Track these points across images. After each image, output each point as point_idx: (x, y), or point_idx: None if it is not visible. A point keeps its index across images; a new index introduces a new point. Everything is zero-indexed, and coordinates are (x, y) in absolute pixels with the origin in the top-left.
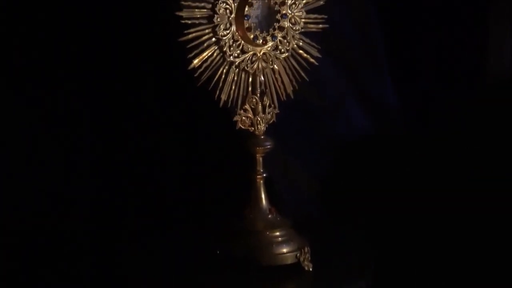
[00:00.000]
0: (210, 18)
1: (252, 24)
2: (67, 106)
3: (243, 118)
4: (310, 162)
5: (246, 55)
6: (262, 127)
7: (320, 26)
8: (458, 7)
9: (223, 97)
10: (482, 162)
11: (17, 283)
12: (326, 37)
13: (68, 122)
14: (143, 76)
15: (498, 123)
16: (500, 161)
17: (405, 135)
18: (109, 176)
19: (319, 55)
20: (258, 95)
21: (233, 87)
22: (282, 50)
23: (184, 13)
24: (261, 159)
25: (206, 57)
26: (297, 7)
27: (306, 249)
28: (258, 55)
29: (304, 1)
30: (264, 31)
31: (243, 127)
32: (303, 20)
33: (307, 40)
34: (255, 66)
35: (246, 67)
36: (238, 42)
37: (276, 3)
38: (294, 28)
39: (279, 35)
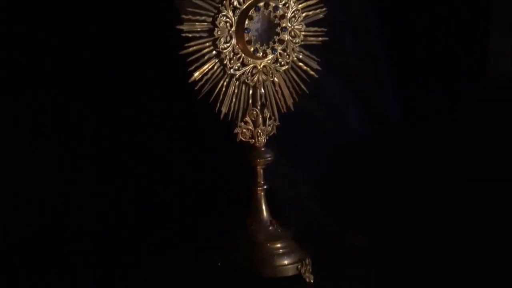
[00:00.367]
0: (210, 32)
1: (252, 37)
2: (71, 123)
3: (244, 130)
4: (310, 166)
5: (247, 68)
6: (262, 139)
7: (320, 39)
8: (458, 8)
9: (224, 109)
10: (482, 162)
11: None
12: (327, 48)
13: (68, 136)
14: (145, 89)
15: (498, 123)
16: (500, 161)
17: (405, 135)
18: (110, 188)
19: (319, 68)
20: (259, 107)
21: (234, 100)
22: (282, 62)
23: (184, 27)
24: (261, 171)
25: (207, 70)
26: (297, 20)
27: (307, 261)
28: (259, 67)
29: (303, 15)
30: (264, 44)
31: (243, 139)
32: (303, 33)
33: (307, 53)
34: (256, 78)
35: (246, 80)
36: (239, 55)
37: (276, 16)
38: (294, 41)
39: (279, 48)
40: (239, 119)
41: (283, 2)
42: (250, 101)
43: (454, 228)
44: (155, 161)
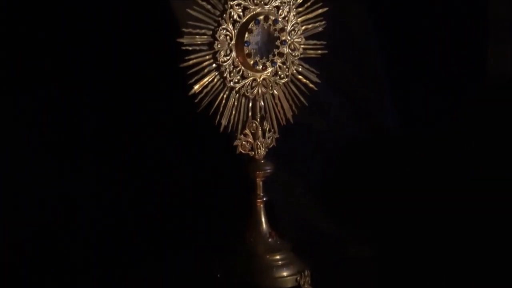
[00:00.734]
0: (210, 45)
1: (252, 50)
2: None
3: (243, 142)
4: (308, 176)
5: (246, 81)
6: (262, 151)
7: (319, 52)
8: (458, 8)
9: (224, 122)
10: (482, 162)
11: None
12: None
13: (68, 138)
14: (145, 100)
15: (498, 123)
16: (500, 161)
17: (404, 135)
18: (110, 198)
19: (318, 80)
20: (258, 120)
21: (234, 112)
22: (282, 75)
23: (185, 40)
24: (261, 183)
25: (207, 82)
26: (296, 34)
27: (306, 273)
28: (258, 80)
29: (303, 28)
30: (264, 57)
31: (243, 151)
32: (302, 46)
33: (306, 66)
34: (255, 91)
35: (246, 93)
36: (238, 68)
37: (275, 29)
38: (293, 54)
39: (278, 61)
40: (239, 131)
41: (283, 15)
42: (250, 113)
43: (454, 227)
44: (153, 174)
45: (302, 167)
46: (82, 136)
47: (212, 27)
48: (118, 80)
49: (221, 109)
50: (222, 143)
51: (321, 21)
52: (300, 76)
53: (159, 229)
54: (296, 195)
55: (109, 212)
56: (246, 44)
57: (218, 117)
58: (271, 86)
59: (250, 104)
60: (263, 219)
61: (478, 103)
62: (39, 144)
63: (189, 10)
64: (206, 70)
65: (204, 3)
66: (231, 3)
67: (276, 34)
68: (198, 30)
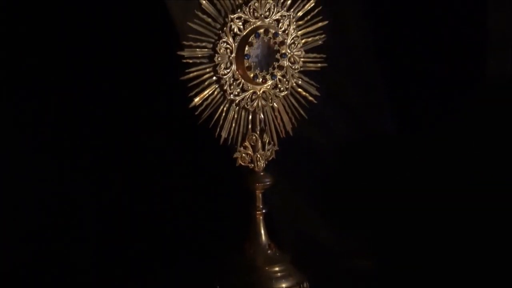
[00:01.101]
0: (211, 57)
1: (252, 63)
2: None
3: (243, 155)
4: (307, 185)
5: (246, 94)
6: (261, 163)
7: (319, 65)
8: (458, 7)
9: (224, 134)
10: (482, 163)
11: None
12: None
13: (68, 139)
14: (143, 112)
15: (498, 123)
16: (500, 161)
17: (403, 135)
18: (109, 209)
19: (317, 94)
20: (258, 132)
21: (233, 125)
22: (282, 88)
23: (185, 53)
24: (260, 195)
25: (207, 95)
26: (296, 47)
27: (305, 284)
28: (258, 93)
29: (303, 41)
30: (264, 70)
31: (243, 163)
32: (302, 59)
33: (306, 79)
34: (255, 104)
35: (246, 105)
36: (238, 81)
37: (275, 43)
38: (293, 67)
39: (278, 74)
40: (239, 144)
41: (283, 29)
42: (250, 126)
43: (453, 228)
44: (153, 186)
45: (301, 178)
46: (85, 152)
47: (213, 40)
48: (120, 89)
49: (221, 121)
50: (222, 155)
51: (321, 34)
52: (299, 89)
53: (159, 241)
54: (296, 207)
55: (107, 226)
56: (246, 57)
57: (218, 129)
58: (271, 99)
59: (250, 117)
60: (262, 231)
61: (478, 103)
62: (39, 144)
63: (189, 23)
64: (206, 83)
65: (204, 16)
66: (232, 16)
67: (276, 47)
68: (198, 43)
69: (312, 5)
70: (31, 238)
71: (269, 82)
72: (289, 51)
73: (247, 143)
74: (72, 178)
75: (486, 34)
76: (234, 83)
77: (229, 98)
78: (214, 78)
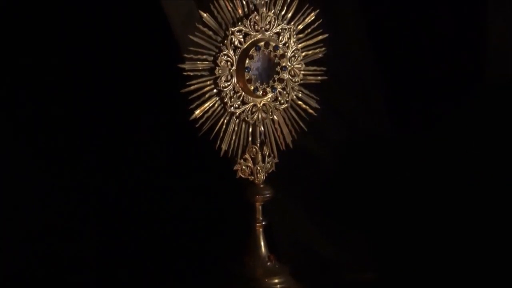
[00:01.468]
0: (211, 70)
1: (253, 76)
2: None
3: (243, 167)
4: (306, 195)
5: (247, 106)
6: (261, 176)
7: (319, 78)
8: (458, 7)
9: (224, 147)
10: (482, 163)
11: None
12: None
13: (68, 142)
14: (144, 127)
15: (498, 123)
16: (500, 162)
17: (402, 136)
18: (108, 222)
19: (317, 106)
20: (258, 145)
21: (234, 137)
22: (282, 101)
23: (186, 65)
24: (260, 207)
25: (208, 108)
26: (296, 60)
27: None
28: (258, 106)
29: (303, 54)
30: (264, 83)
31: (243, 176)
32: (302, 72)
33: (306, 91)
34: (255, 116)
35: (246, 118)
36: (239, 94)
37: (276, 55)
38: (293, 80)
39: (278, 87)
40: (239, 156)
41: (283, 41)
42: (250, 138)
43: (453, 228)
44: (152, 198)
45: (301, 191)
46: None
47: (213, 53)
48: (121, 100)
49: (221, 134)
50: (222, 168)
51: (321, 47)
52: (299, 102)
53: (158, 254)
54: (295, 219)
55: (105, 238)
56: (246, 70)
57: (219, 142)
58: (271, 111)
59: (250, 129)
60: (262, 243)
61: (478, 103)
62: (38, 144)
63: (191, 36)
64: (207, 96)
65: (205, 29)
66: (232, 29)
67: (276, 60)
68: (199, 56)
69: (312, 18)
70: (31, 238)
71: (270, 95)
72: (289, 64)
73: (247, 156)
74: (72, 178)
75: (486, 34)
76: (235, 96)
77: (229, 110)
78: (215, 90)
